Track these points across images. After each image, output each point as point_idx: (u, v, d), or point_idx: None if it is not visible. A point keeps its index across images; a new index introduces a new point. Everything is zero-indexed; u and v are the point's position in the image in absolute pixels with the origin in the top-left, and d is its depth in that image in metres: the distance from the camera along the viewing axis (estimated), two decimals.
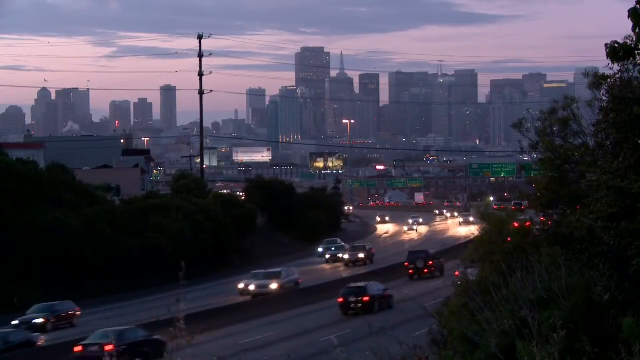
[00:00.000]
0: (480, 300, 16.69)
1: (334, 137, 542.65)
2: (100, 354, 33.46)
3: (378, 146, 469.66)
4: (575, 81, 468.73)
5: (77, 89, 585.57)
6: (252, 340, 47.14)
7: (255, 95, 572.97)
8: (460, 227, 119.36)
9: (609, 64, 14.05)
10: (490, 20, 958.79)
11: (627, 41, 13.55)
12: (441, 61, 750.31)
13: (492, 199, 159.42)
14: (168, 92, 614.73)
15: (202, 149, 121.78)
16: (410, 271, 71.47)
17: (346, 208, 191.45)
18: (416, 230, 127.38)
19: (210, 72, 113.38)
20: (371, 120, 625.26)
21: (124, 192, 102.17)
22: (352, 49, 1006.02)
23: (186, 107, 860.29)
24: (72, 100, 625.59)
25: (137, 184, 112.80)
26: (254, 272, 69.48)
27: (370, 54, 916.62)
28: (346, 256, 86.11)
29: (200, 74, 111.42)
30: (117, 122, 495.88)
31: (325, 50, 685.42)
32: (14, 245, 68.58)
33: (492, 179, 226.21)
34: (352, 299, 54.49)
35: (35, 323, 54.23)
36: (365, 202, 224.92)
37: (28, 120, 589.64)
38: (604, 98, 18.46)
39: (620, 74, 15.92)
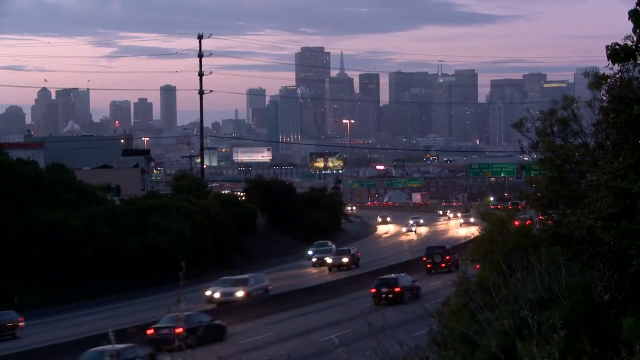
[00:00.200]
0: (480, 300, 16.69)
1: (334, 137, 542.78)
2: (171, 335, 35.37)
3: (378, 146, 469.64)
4: (575, 81, 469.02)
5: (77, 89, 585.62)
6: (252, 340, 47.15)
7: (255, 95, 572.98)
8: (461, 228, 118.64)
9: (609, 64, 14.05)
10: (490, 20, 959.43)
11: (628, 42, 13.55)
12: (441, 61, 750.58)
13: (492, 199, 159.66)
14: (168, 92, 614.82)
15: (202, 149, 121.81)
16: (428, 265, 74.83)
17: (349, 208, 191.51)
18: (415, 231, 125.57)
19: (210, 72, 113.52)
20: (371, 120, 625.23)
21: (124, 192, 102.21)
22: (352, 49, 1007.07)
23: (186, 107, 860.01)
24: (72, 100, 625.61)
25: (137, 184, 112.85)
26: (222, 278, 65.54)
27: (370, 54, 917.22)
28: (329, 260, 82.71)
29: (200, 74, 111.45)
30: (117, 122, 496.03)
31: (325, 50, 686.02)
32: (14, 245, 68.60)
33: (492, 179, 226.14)
34: (384, 290, 58.00)
35: None
36: (364, 202, 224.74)
37: (28, 120, 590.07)
38: (604, 98, 18.45)
39: (620, 73, 15.91)
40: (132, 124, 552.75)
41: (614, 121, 15.54)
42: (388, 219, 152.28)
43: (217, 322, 47.41)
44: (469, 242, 62.84)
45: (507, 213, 32.79)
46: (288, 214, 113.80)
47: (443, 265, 73.57)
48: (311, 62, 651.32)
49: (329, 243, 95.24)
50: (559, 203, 24.68)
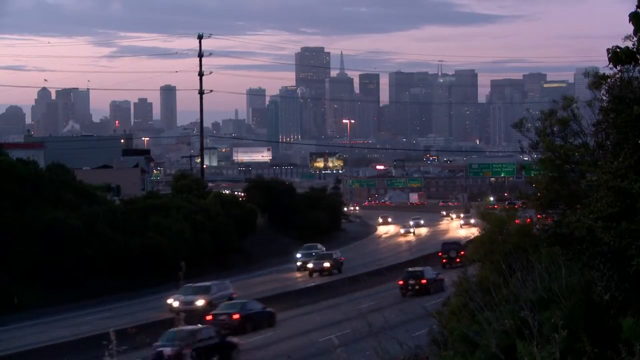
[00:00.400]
0: (480, 300, 16.69)
1: (334, 137, 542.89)
2: (229, 321, 46.74)
3: (378, 146, 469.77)
4: (575, 81, 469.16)
5: (77, 89, 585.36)
6: (252, 340, 47.14)
7: (255, 95, 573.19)
8: (461, 229, 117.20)
9: (609, 65, 14.04)
10: (490, 20, 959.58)
11: (628, 42, 13.54)
12: (441, 61, 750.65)
13: (492, 199, 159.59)
14: (168, 92, 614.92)
15: (202, 148, 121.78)
16: (444, 260, 76.68)
17: (352, 208, 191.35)
18: (413, 232, 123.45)
19: (210, 72, 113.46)
20: (371, 120, 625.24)
21: (124, 192, 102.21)
22: (352, 49, 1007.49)
23: (186, 107, 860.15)
24: (72, 100, 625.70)
25: (137, 184, 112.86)
26: (186, 285, 57.66)
27: (370, 54, 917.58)
28: (310, 265, 78.77)
29: (200, 74, 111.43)
30: (117, 122, 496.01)
31: (325, 50, 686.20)
32: (14, 245, 68.56)
33: (492, 179, 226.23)
34: (412, 282, 61.17)
35: None
36: (363, 202, 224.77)
37: (28, 120, 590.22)
38: (604, 98, 18.46)
39: (620, 74, 15.91)
40: (132, 124, 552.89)
41: (614, 121, 15.54)
42: (389, 219, 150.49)
43: (268, 309, 51.37)
44: (468, 243, 63.17)
45: (507, 213, 32.81)
46: (288, 214, 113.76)
47: (458, 260, 74.59)
48: (311, 62, 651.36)
49: (319, 246, 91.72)
50: (559, 203, 24.69)
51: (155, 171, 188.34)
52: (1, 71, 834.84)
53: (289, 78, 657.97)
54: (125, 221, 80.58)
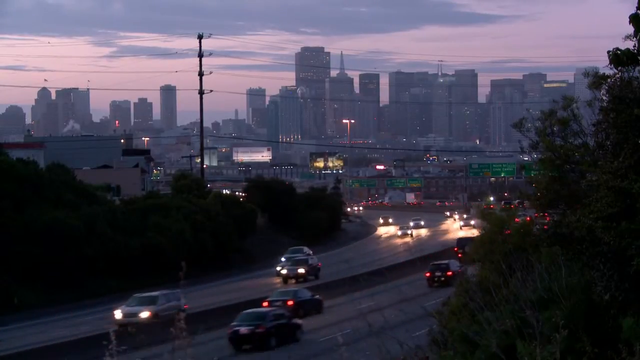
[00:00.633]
0: (480, 300, 16.69)
1: (334, 137, 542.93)
2: (284, 307, 49.68)
3: (378, 146, 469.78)
4: (575, 81, 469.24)
5: (77, 88, 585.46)
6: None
7: (255, 95, 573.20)
8: (461, 231, 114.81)
9: (610, 66, 14.04)
10: (490, 20, 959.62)
11: (629, 42, 13.54)
12: (441, 61, 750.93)
13: (492, 198, 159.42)
14: (168, 92, 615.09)
15: (202, 148, 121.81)
16: (460, 255, 76.96)
17: (355, 208, 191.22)
18: (411, 234, 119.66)
19: (210, 72, 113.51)
20: (371, 120, 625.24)
21: (124, 192, 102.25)
22: (352, 49, 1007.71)
23: (186, 107, 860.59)
24: (72, 100, 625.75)
25: (137, 184, 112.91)
26: (135, 295, 56.67)
27: (370, 54, 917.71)
28: (284, 271, 75.20)
29: (200, 74, 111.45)
30: (117, 122, 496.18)
31: (325, 50, 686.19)
32: (14, 245, 68.57)
33: (492, 179, 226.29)
34: (438, 274, 64.83)
35: None
36: (360, 202, 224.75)
37: (28, 120, 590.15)
38: (604, 98, 18.45)
39: (620, 74, 15.91)
40: (132, 124, 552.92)
41: (614, 121, 15.53)
42: (390, 219, 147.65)
43: (316, 296, 55.20)
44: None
45: (507, 213, 32.85)
46: (288, 214, 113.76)
47: None
48: (311, 62, 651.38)
49: (305, 249, 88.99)
50: (559, 203, 24.69)
51: (155, 171, 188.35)
52: (1, 71, 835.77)
53: (289, 78, 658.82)
54: (125, 221, 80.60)
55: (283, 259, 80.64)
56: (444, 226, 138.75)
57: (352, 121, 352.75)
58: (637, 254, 14.02)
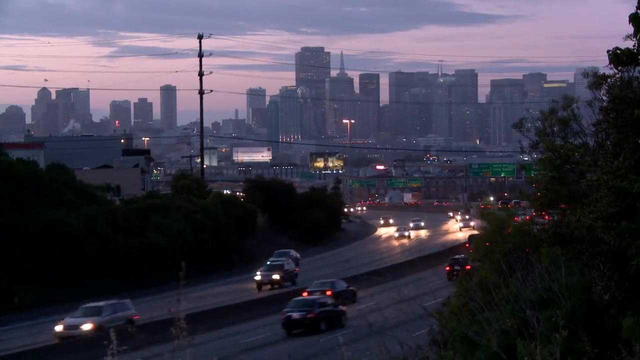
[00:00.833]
0: (480, 300, 16.70)
1: (334, 137, 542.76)
2: (323, 297, 52.58)
3: (378, 146, 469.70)
4: (575, 81, 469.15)
5: (77, 88, 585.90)
6: (252, 340, 47.17)
7: (255, 95, 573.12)
8: (461, 233, 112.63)
9: (610, 66, 14.04)
10: (490, 20, 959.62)
11: (629, 42, 13.54)
12: (441, 61, 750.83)
13: (492, 199, 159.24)
14: (168, 92, 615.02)
15: (202, 148, 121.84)
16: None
17: (359, 209, 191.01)
18: (408, 235, 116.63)
19: (211, 72, 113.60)
20: (371, 120, 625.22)
21: (124, 192, 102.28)
22: (352, 49, 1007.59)
23: (186, 107, 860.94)
24: (72, 100, 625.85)
25: (137, 184, 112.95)
26: (82, 305, 52.96)
27: (370, 54, 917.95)
28: (257, 277, 71.09)
29: (200, 74, 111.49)
30: (117, 122, 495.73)
31: (325, 50, 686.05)
32: (14, 245, 68.58)
33: (492, 179, 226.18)
34: (457, 268, 64.45)
35: None
36: (358, 202, 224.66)
37: (28, 120, 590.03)
38: (604, 98, 18.46)
39: (620, 73, 15.91)
40: (132, 124, 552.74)
41: (614, 121, 15.54)
42: (390, 220, 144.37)
43: (351, 287, 58.09)
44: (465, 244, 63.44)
45: (507, 213, 32.85)
46: (288, 214, 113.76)
47: None
48: (311, 62, 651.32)
49: (292, 252, 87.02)
50: (559, 203, 24.70)
51: (155, 171, 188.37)
52: (1, 71, 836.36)
53: (289, 78, 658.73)
54: (125, 221, 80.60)
55: (268, 263, 76.92)
56: (445, 227, 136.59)
57: (352, 121, 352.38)
58: (637, 254, 14.03)
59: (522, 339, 12.97)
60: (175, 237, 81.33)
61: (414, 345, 17.04)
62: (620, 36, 13.88)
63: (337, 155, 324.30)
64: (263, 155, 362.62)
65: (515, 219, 31.25)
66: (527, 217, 31.11)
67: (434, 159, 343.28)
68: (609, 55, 13.28)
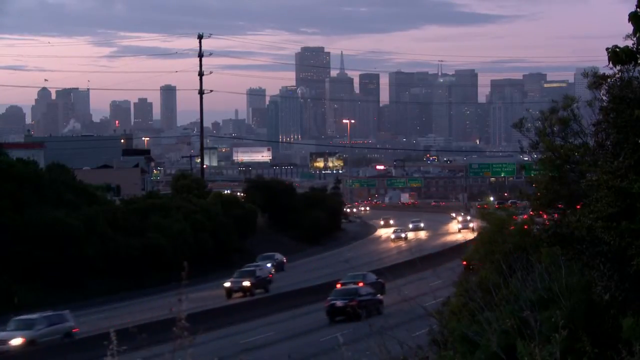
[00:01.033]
0: (480, 300, 16.70)
1: (334, 137, 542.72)
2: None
3: (378, 146, 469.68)
4: (575, 81, 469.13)
5: (77, 88, 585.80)
6: (252, 340, 47.17)
7: (255, 95, 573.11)
8: (459, 234, 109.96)
9: (609, 65, 14.04)
10: (490, 20, 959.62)
11: (628, 41, 13.53)
12: (441, 61, 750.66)
13: (492, 199, 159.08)
14: (168, 92, 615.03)
15: (202, 148, 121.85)
16: None
17: (362, 209, 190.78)
18: (405, 237, 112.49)
19: (211, 72, 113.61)
20: (371, 120, 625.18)
21: (124, 192, 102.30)
22: (352, 49, 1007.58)
23: (186, 107, 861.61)
24: (72, 100, 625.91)
25: (137, 184, 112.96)
26: (15, 318, 49.73)
27: (370, 54, 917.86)
28: (227, 284, 66.46)
29: (200, 74, 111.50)
30: (117, 122, 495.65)
31: (325, 50, 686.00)
32: (14, 245, 68.58)
33: (492, 179, 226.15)
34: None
35: None
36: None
37: (28, 120, 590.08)
38: (604, 98, 18.46)
39: (620, 73, 15.91)
40: (132, 124, 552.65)
41: (614, 121, 15.54)
42: (391, 221, 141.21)
43: (379, 279, 60.31)
44: (469, 242, 63.20)
45: (507, 212, 32.85)
46: (288, 214, 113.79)
47: None
48: (311, 62, 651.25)
49: (277, 255, 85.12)
50: (559, 203, 24.69)
51: (155, 171, 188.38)
52: (1, 71, 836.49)
53: (289, 78, 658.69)
54: (125, 221, 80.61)
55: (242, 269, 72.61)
56: (445, 228, 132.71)
57: (352, 121, 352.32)
58: (637, 254, 14.03)
59: (522, 339, 12.97)
60: (175, 237, 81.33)
61: (414, 345, 17.04)
62: (620, 36, 13.88)
63: (337, 155, 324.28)
64: (263, 155, 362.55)
65: (514, 217, 31.26)
66: (525, 216, 31.09)
67: (434, 159, 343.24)
68: (608, 54, 13.27)
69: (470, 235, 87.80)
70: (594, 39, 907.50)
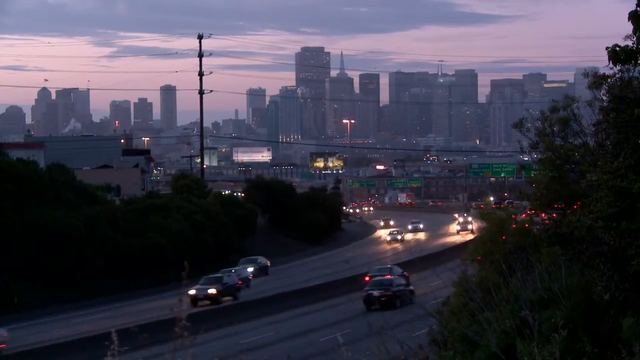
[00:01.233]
0: (480, 300, 16.71)
1: (334, 137, 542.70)
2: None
3: (378, 146, 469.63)
4: (575, 81, 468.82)
5: (77, 88, 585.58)
6: (252, 340, 47.17)
7: (255, 95, 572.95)
8: (458, 236, 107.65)
9: (609, 64, 14.04)
10: (490, 20, 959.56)
11: (628, 42, 13.54)
12: (441, 61, 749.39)
13: (492, 199, 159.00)
14: (168, 92, 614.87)
15: (202, 148, 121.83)
16: None
17: (365, 209, 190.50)
18: (401, 239, 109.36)
19: (210, 72, 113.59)
20: (371, 120, 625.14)
21: (124, 192, 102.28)
22: (352, 49, 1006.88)
23: (186, 107, 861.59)
24: (72, 100, 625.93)
25: (137, 184, 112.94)
26: None
27: (370, 54, 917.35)
28: (192, 291, 60.44)
29: (200, 74, 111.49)
30: (117, 122, 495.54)
31: (325, 50, 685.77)
32: (14, 245, 68.57)
33: (492, 179, 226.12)
34: None
35: None
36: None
37: (28, 120, 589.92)
38: (604, 98, 18.46)
39: (620, 73, 15.91)
40: (132, 124, 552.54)
41: (614, 121, 15.54)
42: (391, 222, 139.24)
43: (405, 273, 62.33)
44: (469, 242, 63.08)
45: (507, 212, 32.85)
46: (288, 214, 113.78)
47: None
48: (311, 62, 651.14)
49: (259, 259, 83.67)
50: (558, 203, 24.70)
51: (155, 171, 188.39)
52: (1, 71, 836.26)
53: (289, 78, 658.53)
54: (125, 221, 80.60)
55: (232, 271, 71.42)
56: (445, 229, 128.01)
57: (352, 121, 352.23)
58: (637, 254, 14.02)
59: (522, 339, 12.97)
60: (175, 237, 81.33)
61: (414, 345, 17.04)
62: (620, 36, 13.89)
63: (337, 155, 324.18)
64: (263, 155, 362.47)
65: (512, 217, 31.28)
66: (523, 215, 31.10)
67: (434, 159, 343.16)
68: (608, 53, 13.28)
69: (470, 237, 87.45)
70: (594, 39, 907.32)
